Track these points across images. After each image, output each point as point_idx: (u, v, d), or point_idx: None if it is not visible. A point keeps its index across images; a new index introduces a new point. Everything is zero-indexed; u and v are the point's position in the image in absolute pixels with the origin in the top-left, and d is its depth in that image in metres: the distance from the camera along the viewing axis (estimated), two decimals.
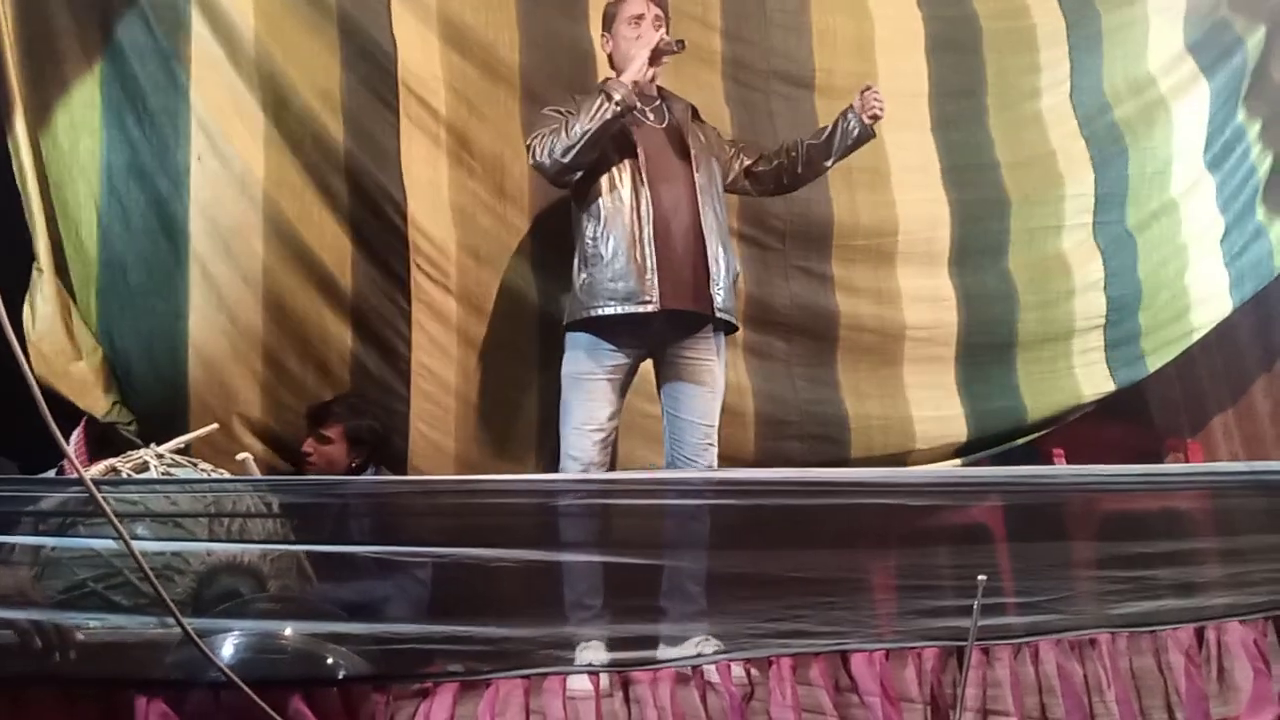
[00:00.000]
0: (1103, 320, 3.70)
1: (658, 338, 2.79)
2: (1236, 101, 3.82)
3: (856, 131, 2.90)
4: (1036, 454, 3.62)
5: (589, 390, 2.72)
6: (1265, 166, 3.87)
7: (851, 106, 2.91)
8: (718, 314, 2.77)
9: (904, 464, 3.50)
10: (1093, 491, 2.44)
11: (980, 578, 1.85)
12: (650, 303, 2.69)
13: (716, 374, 2.83)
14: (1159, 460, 3.85)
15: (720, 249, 2.80)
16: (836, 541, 2.18)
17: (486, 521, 2.01)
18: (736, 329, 2.95)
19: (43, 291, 2.82)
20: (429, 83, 3.19)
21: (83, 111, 2.95)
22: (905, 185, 3.61)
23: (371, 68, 3.13)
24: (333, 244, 3.10)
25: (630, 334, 2.75)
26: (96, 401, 2.84)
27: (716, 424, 2.82)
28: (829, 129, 2.95)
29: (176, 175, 2.97)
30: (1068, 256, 3.72)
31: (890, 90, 3.58)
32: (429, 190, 3.18)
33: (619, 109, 2.70)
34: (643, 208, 2.74)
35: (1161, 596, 2.30)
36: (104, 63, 2.98)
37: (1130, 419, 3.90)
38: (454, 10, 3.23)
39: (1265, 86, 3.88)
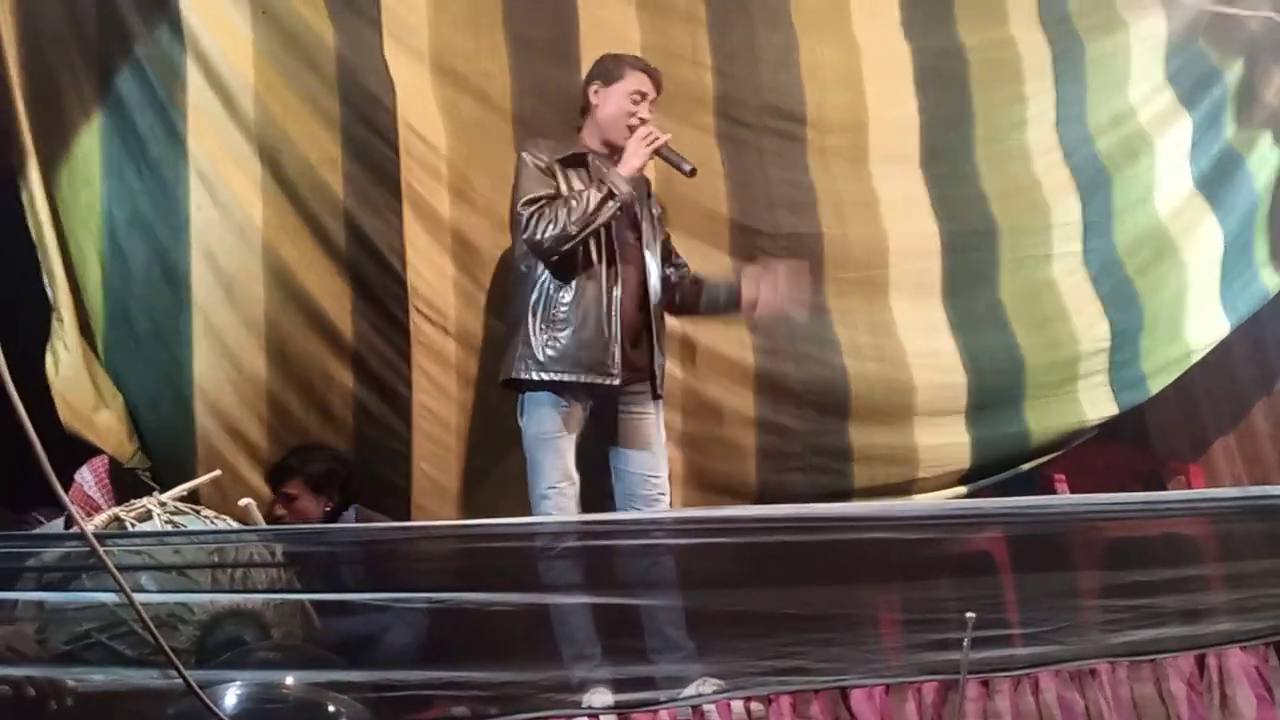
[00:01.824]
0: (1107, 344, 3.70)
1: (605, 396, 2.86)
2: (1219, 131, 3.85)
3: (724, 305, 3.03)
4: (1037, 480, 3.62)
5: (558, 448, 2.77)
6: (1263, 188, 3.90)
7: (735, 287, 2.99)
8: (656, 385, 2.88)
9: (908, 494, 3.50)
10: (1093, 520, 2.45)
11: (969, 615, 1.86)
12: (614, 376, 2.78)
13: (657, 432, 2.91)
14: (1160, 483, 3.85)
15: (660, 325, 2.91)
16: (836, 577, 2.19)
17: (487, 565, 2.03)
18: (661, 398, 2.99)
19: (64, 340, 2.85)
20: (429, 122, 3.21)
21: (82, 163, 2.99)
22: (895, 217, 3.64)
23: (370, 110, 3.15)
24: (332, 288, 3.12)
25: (586, 393, 2.82)
26: (123, 447, 2.87)
27: (665, 476, 2.89)
28: (704, 285, 3.06)
29: (177, 224, 3.01)
30: (1058, 284, 3.73)
31: (881, 121, 3.68)
32: (427, 232, 3.21)
33: (619, 207, 2.78)
34: (613, 281, 2.82)
35: (1162, 624, 2.30)
36: (102, 114, 3.03)
37: (1131, 442, 3.90)
38: (447, 59, 3.26)
39: (1254, 111, 3.92)
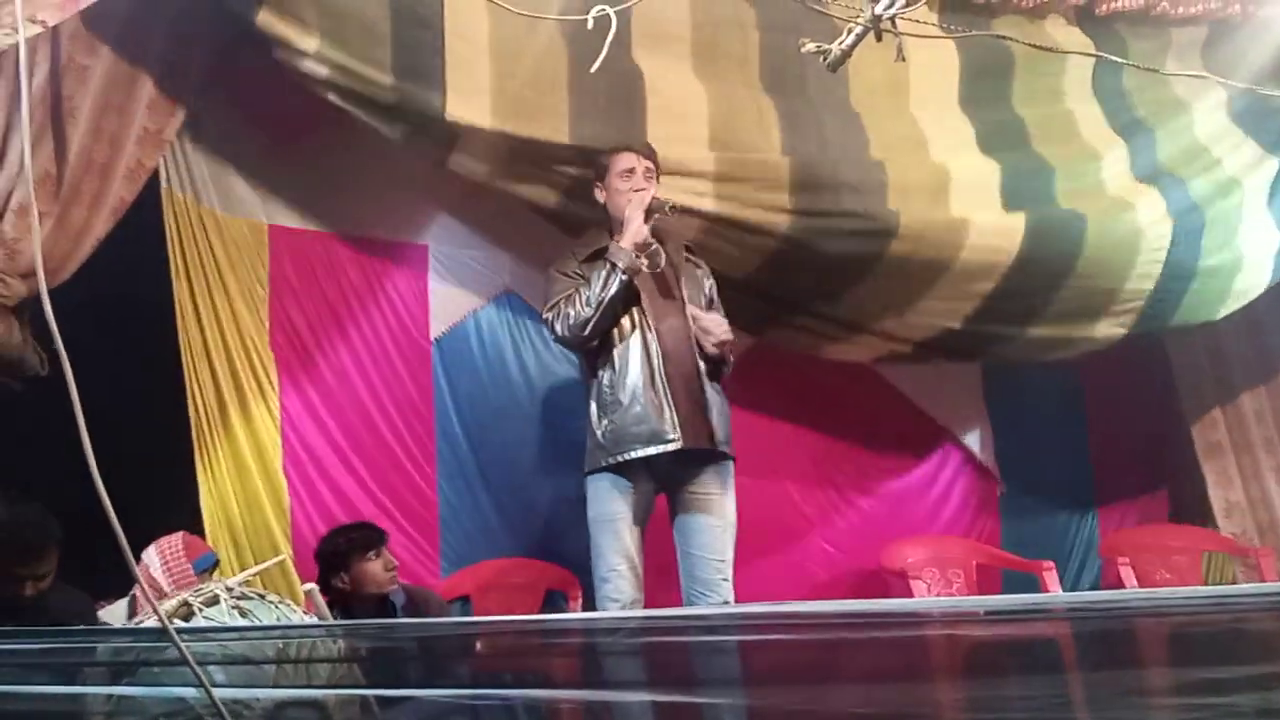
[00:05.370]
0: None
1: (668, 474, 2.88)
2: None
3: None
4: (1100, 563, 3.56)
5: (619, 530, 2.81)
6: None
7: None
8: (718, 447, 2.86)
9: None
10: (1164, 614, 2.39)
11: None
12: (674, 441, 2.79)
13: (726, 507, 2.90)
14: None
15: (713, 383, 2.91)
16: (900, 673, 2.15)
17: (550, 661, 2.02)
18: (733, 459, 2.97)
19: None
20: None
21: None
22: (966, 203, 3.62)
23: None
24: None
25: (646, 472, 2.86)
26: None
27: (730, 559, 2.87)
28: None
29: None
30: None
31: (960, 179, 3.64)
32: None
33: (625, 277, 2.82)
34: (652, 350, 2.86)
35: None
36: None
37: (1194, 523, 3.83)
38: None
39: None
